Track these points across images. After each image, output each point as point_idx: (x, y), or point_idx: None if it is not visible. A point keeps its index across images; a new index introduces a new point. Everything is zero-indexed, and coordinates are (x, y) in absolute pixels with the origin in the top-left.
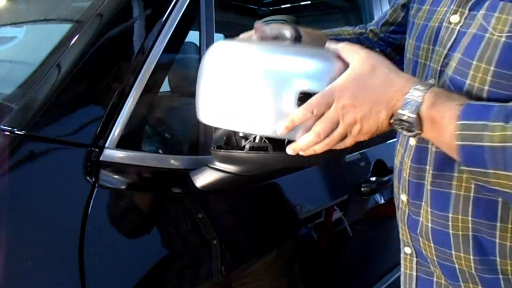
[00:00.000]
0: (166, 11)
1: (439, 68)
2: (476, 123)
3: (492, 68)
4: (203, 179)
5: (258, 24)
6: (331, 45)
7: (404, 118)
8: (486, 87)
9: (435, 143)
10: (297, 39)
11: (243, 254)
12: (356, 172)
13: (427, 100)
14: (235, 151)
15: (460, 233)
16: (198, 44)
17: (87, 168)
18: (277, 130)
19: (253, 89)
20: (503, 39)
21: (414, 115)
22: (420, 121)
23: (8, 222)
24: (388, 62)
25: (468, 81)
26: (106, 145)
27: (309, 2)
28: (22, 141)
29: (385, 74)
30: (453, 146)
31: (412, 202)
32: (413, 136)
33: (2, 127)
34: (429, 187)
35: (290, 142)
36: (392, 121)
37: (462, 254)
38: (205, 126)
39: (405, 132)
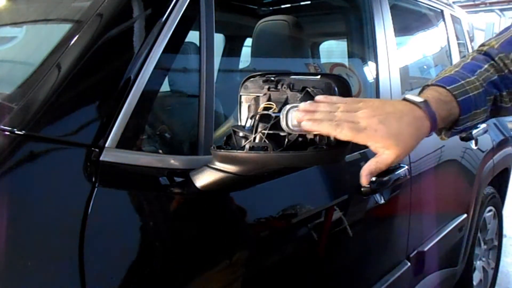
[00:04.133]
0: (166, 11)
1: None
2: None
3: None
4: (203, 179)
5: None
6: None
7: None
8: None
9: None
10: None
11: (242, 254)
12: (356, 172)
13: None
14: (235, 151)
15: None
16: (198, 44)
17: (87, 168)
18: None
19: None
20: None
21: None
22: None
23: (8, 222)
24: None
25: None
26: (106, 145)
27: (309, 2)
28: (22, 141)
29: None
30: None
31: None
32: None
33: (2, 127)
34: None
35: (290, 143)
36: None
37: None
38: (205, 126)
39: None
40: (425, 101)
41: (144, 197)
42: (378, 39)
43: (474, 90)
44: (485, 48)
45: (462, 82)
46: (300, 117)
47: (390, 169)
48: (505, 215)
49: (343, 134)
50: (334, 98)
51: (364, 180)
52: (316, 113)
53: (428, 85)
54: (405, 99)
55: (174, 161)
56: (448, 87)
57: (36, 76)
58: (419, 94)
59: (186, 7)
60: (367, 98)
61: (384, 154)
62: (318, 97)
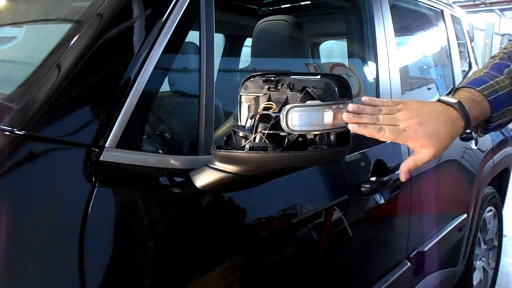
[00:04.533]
0: (166, 11)
1: None
2: None
3: None
4: (203, 179)
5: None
6: None
7: None
8: None
9: None
10: None
11: (242, 254)
12: (356, 172)
13: None
14: (235, 151)
15: None
16: (198, 44)
17: (87, 168)
18: None
19: None
20: None
21: None
22: None
23: (8, 222)
24: None
25: None
26: (106, 145)
27: (309, 2)
28: (22, 141)
29: None
30: None
31: None
32: None
33: (2, 127)
34: None
35: (290, 143)
36: None
37: None
38: (205, 126)
39: None
40: (459, 102)
41: (144, 197)
42: (378, 39)
43: (504, 88)
44: (505, 51)
45: (491, 82)
46: (348, 119)
47: (390, 169)
48: (505, 215)
49: (385, 137)
50: (377, 101)
51: (403, 177)
52: (362, 117)
53: (459, 88)
54: (439, 100)
55: (174, 161)
56: (477, 88)
57: (36, 76)
58: (452, 95)
59: (186, 7)
60: (406, 100)
61: (421, 153)
62: (364, 99)
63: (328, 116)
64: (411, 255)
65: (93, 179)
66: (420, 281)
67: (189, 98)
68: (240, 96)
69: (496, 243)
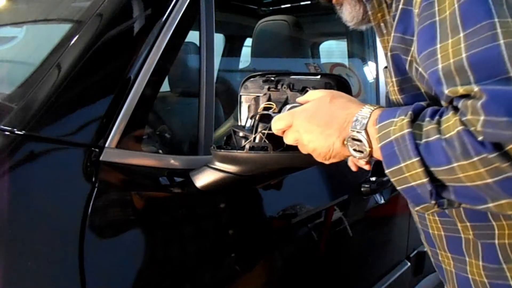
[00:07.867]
0: (166, 11)
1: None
2: (385, 123)
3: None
4: (203, 179)
5: None
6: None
7: (354, 136)
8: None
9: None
10: None
11: (243, 254)
12: (356, 172)
13: (372, 117)
14: (235, 151)
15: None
16: (198, 44)
17: (87, 168)
18: None
19: None
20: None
21: (362, 131)
22: (369, 138)
23: (8, 222)
24: (349, 96)
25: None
26: (106, 145)
27: (309, 2)
28: (22, 141)
29: (342, 102)
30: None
31: None
32: (367, 158)
33: (2, 127)
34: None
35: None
36: (345, 142)
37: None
38: (205, 126)
39: (358, 155)
40: None
41: (144, 197)
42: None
43: None
44: None
45: None
46: None
47: None
48: None
49: None
50: None
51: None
52: None
53: None
54: None
55: (174, 161)
56: None
57: (36, 76)
58: None
59: (186, 7)
60: None
61: None
62: None
63: None
64: (411, 255)
65: (93, 179)
66: (420, 281)
67: (189, 98)
68: (240, 96)
69: None
